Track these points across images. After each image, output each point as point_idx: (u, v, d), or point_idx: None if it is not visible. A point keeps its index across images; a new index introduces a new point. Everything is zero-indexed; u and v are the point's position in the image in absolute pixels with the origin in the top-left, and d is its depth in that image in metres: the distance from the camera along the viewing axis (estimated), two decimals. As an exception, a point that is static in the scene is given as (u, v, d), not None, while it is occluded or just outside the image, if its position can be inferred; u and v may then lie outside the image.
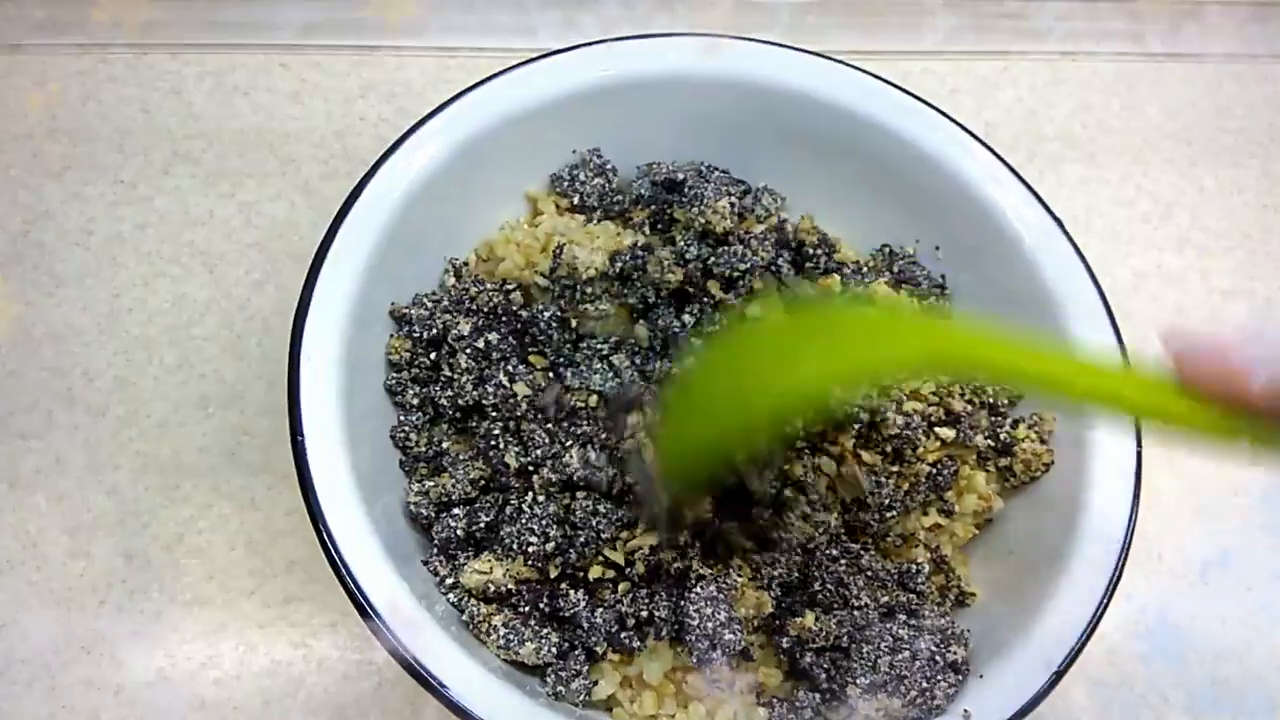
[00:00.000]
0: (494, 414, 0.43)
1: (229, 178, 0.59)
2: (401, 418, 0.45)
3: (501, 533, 0.41)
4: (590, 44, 0.49)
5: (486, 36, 0.64)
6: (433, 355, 0.46)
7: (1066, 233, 0.47)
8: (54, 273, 0.55)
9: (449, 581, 0.41)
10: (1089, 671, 0.50)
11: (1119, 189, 0.64)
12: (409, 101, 0.62)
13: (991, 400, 0.47)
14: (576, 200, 0.50)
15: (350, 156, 0.60)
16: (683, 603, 0.40)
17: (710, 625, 0.39)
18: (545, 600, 0.41)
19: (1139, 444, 0.43)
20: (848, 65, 0.50)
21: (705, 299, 0.46)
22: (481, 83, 0.47)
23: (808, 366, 0.33)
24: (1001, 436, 0.46)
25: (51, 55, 0.61)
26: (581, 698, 0.40)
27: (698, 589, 0.40)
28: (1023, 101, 0.67)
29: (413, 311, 0.46)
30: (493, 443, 0.43)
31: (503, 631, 0.40)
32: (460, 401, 0.44)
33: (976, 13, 0.69)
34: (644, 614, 0.40)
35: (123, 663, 0.46)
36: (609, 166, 0.51)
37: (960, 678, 0.40)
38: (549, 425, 0.43)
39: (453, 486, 0.43)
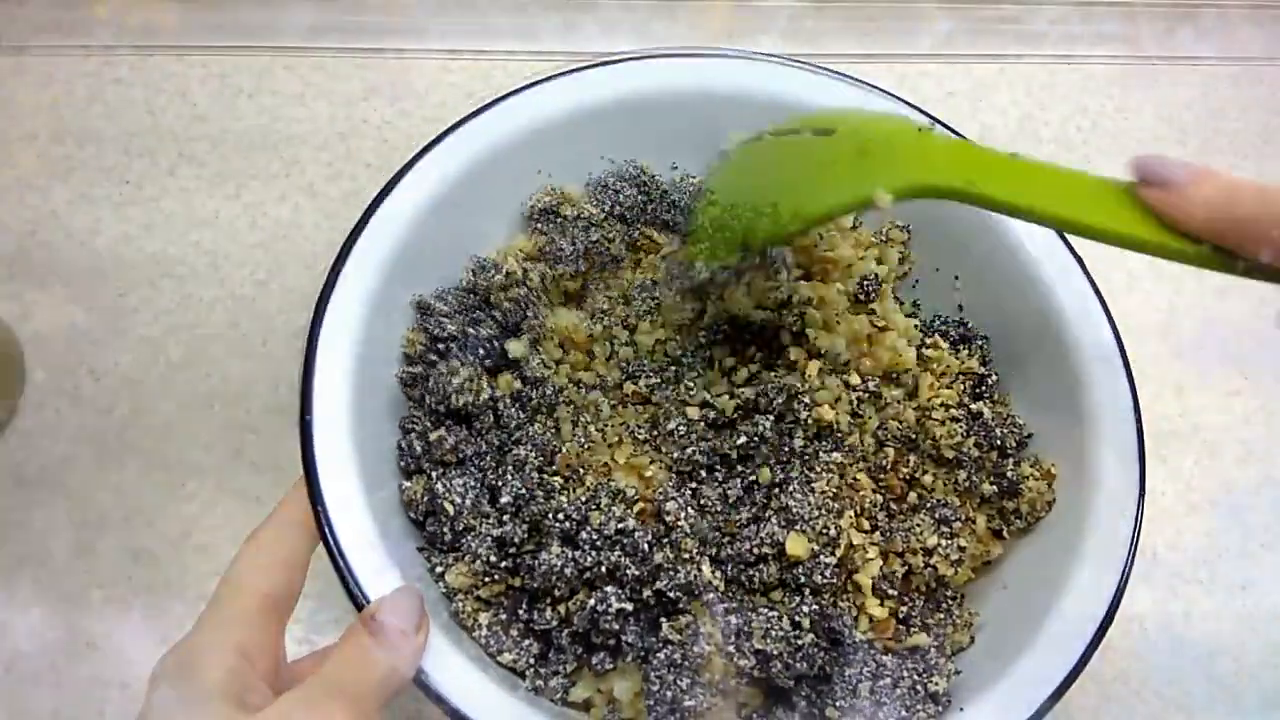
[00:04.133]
0: (427, 463, 0.43)
1: (234, 179, 0.59)
2: (411, 410, 0.45)
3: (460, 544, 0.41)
4: (657, 54, 0.50)
5: (488, 39, 0.65)
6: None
7: (1086, 271, 0.47)
8: (60, 273, 0.55)
9: (439, 571, 0.41)
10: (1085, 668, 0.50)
11: (1114, 191, 0.64)
12: (411, 104, 0.62)
13: (1000, 443, 0.46)
14: (613, 209, 0.50)
15: (354, 158, 0.60)
16: (649, 657, 0.39)
17: (670, 694, 0.38)
18: (524, 609, 0.40)
19: (1141, 485, 0.42)
20: (877, 88, 0.50)
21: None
22: (525, 87, 0.48)
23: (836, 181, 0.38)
24: (1009, 475, 0.45)
25: (57, 57, 0.62)
26: (559, 695, 0.40)
27: (662, 654, 0.39)
28: (1019, 105, 0.67)
29: (435, 303, 0.46)
30: (436, 489, 0.42)
31: (486, 632, 0.40)
32: (440, 407, 0.43)
33: (972, 16, 0.69)
34: (611, 643, 0.40)
35: (128, 659, 0.47)
36: (647, 179, 0.51)
37: (940, 709, 0.40)
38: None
39: (417, 496, 0.42)
